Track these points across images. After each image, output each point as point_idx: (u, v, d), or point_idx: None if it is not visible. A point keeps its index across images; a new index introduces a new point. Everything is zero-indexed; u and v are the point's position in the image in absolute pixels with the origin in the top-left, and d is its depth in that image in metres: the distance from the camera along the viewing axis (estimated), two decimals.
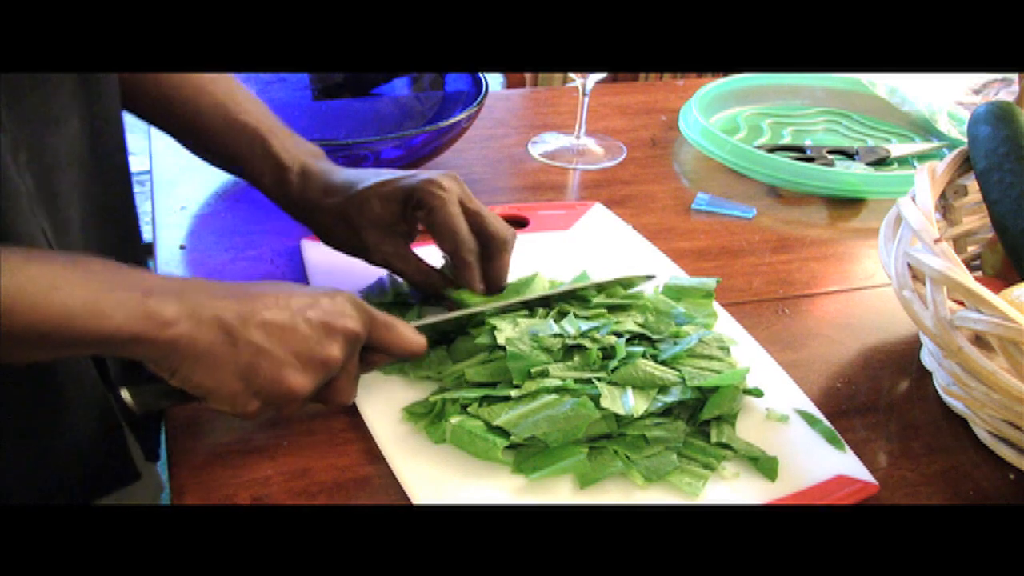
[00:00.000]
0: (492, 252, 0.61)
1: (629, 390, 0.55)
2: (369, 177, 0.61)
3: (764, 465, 0.54)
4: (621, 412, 0.53)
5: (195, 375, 0.46)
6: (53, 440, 0.53)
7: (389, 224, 0.61)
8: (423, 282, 0.62)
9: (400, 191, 0.60)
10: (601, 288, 0.64)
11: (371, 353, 0.54)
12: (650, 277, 0.66)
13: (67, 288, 0.42)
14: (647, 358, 0.57)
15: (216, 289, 0.48)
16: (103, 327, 0.43)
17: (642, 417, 0.54)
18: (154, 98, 0.63)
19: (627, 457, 0.53)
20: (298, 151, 0.64)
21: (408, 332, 0.54)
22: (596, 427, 0.54)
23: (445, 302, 0.63)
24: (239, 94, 0.64)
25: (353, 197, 0.61)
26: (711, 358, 0.59)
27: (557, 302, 0.62)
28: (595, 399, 0.54)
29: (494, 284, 0.62)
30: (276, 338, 0.48)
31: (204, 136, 0.64)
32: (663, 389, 0.56)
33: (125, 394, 0.49)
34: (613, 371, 0.56)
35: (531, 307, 0.62)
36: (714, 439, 0.55)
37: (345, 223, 0.61)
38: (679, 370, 0.57)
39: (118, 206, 0.59)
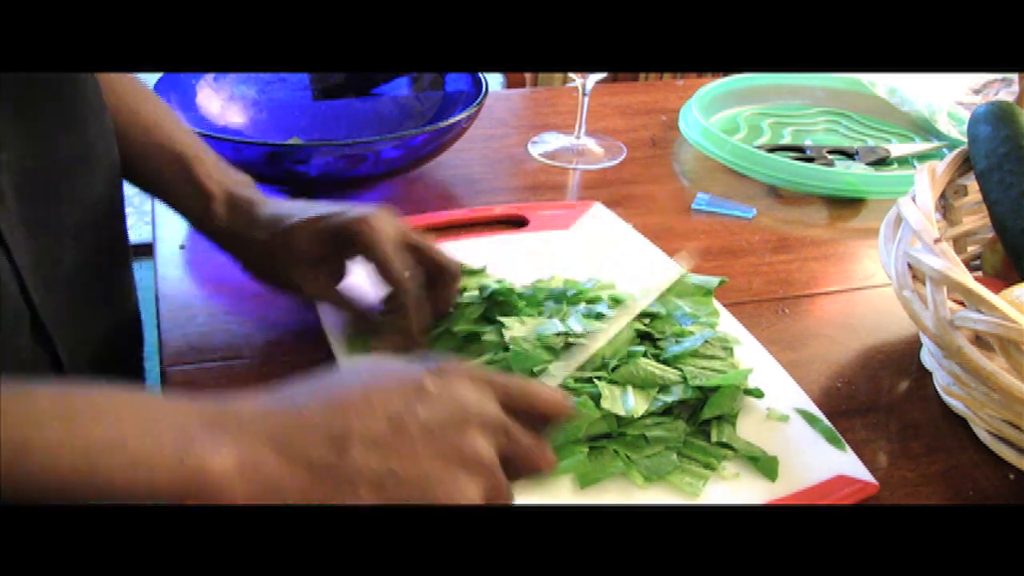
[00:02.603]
0: (442, 282, 0.60)
1: (629, 389, 0.55)
2: (297, 212, 0.59)
3: (764, 465, 0.54)
4: (621, 412, 0.53)
5: None
6: None
7: (316, 261, 0.58)
8: (352, 323, 0.61)
9: (328, 228, 0.57)
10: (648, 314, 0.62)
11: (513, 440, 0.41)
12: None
13: (86, 428, 0.33)
14: (648, 357, 0.57)
15: (278, 413, 0.37)
16: (134, 479, 0.34)
17: (642, 417, 0.54)
18: None
19: (627, 457, 0.53)
20: (224, 179, 0.62)
21: (547, 388, 0.44)
22: (596, 426, 0.54)
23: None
24: (167, 118, 0.63)
25: (278, 233, 0.58)
26: (713, 357, 0.59)
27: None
28: (595, 398, 0.54)
29: (440, 313, 0.61)
30: (390, 454, 0.37)
31: (128, 161, 0.60)
32: (664, 388, 0.56)
33: None
34: (613, 370, 0.56)
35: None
36: (714, 438, 0.55)
37: (271, 259, 0.59)
38: (681, 369, 0.57)
39: (111, 210, 0.59)
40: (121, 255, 0.61)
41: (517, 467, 0.41)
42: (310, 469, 0.36)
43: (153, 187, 0.63)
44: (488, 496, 0.39)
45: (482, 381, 0.41)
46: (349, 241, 0.57)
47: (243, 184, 0.63)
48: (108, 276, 0.60)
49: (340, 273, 0.61)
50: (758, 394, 0.58)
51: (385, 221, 0.57)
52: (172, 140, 0.61)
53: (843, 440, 0.56)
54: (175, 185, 0.61)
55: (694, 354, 0.58)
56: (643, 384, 0.55)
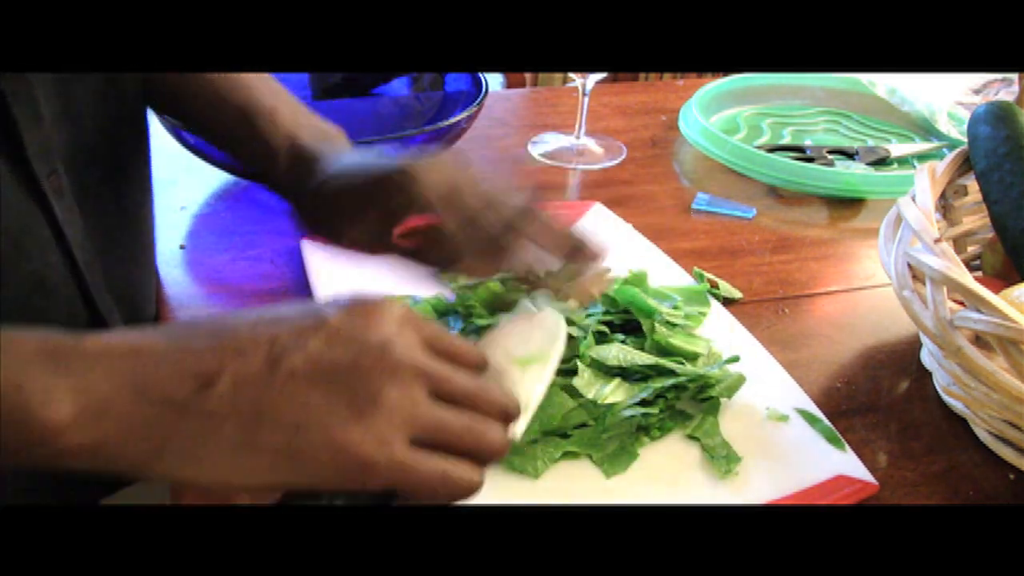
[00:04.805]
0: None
1: (612, 383, 0.56)
2: (346, 162, 0.51)
3: (720, 464, 0.54)
4: (592, 396, 0.54)
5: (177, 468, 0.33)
6: None
7: (362, 215, 0.49)
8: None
9: (369, 178, 0.48)
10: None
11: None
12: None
13: None
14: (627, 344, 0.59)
15: (141, 350, 0.33)
16: None
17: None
18: (159, 84, 0.57)
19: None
20: (295, 129, 0.54)
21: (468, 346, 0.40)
22: (575, 416, 0.54)
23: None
24: (245, 74, 0.57)
25: (322, 185, 0.50)
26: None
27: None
28: (572, 392, 0.55)
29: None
30: (264, 394, 0.33)
31: (193, 117, 0.56)
32: (645, 378, 0.56)
33: None
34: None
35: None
36: (688, 431, 0.55)
37: (317, 215, 0.52)
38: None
39: (131, 211, 0.59)
40: (142, 263, 0.61)
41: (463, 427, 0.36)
42: (168, 406, 0.32)
43: (222, 145, 0.58)
44: (398, 447, 0.34)
45: (407, 321, 0.36)
46: (394, 193, 0.47)
47: (322, 136, 0.54)
48: (146, 274, 0.60)
49: (390, 226, 0.49)
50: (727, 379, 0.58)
51: (438, 168, 0.47)
52: (233, 91, 0.55)
53: (843, 440, 0.56)
54: (239, 142, 0.55)
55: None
56: (624, 368, 0.56)
